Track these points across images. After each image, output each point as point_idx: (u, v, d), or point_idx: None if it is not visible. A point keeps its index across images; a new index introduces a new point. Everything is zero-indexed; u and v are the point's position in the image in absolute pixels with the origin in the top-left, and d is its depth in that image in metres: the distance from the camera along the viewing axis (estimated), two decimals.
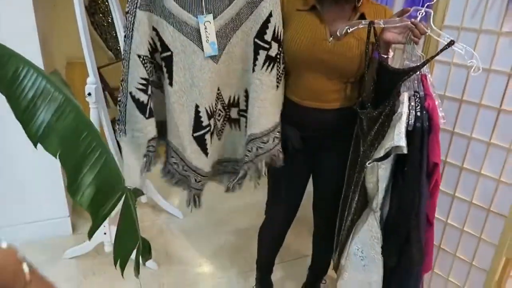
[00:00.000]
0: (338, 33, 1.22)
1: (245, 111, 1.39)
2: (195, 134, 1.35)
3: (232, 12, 1.25)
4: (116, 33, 2.35)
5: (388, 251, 1.30)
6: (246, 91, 1.37)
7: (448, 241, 1.62)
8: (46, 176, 2.11)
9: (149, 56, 1.26)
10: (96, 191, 1.02)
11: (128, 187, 1.15)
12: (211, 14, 1.24)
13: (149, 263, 2.00)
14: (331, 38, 1.25)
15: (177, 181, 1.44)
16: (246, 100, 1.38)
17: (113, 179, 1.07)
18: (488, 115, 1.42)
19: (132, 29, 1.21)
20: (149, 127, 1.31)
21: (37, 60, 1.93)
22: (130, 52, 1.22)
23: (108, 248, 1.99)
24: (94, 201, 1.02)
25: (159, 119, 1.36)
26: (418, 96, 1.17)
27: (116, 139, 1.56)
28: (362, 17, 1.25)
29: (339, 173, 1.44)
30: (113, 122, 2.87)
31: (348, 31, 1.20)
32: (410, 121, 1.14)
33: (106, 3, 3.37)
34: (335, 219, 1.49)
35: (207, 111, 1.33)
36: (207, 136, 1.37)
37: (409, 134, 1.14)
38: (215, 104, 1.36)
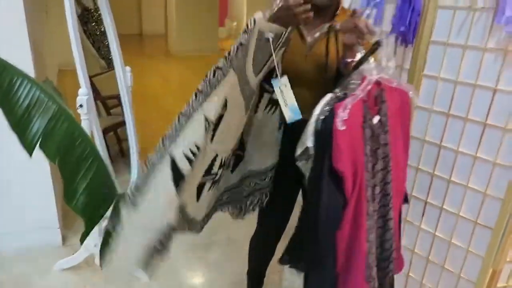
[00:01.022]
0: (307, 45, 1.27)
1: (236, 149, 1.35)
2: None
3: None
4: (108, 42, 2.35)
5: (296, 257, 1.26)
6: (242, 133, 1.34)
7: (436, 253, 1.64)
8: (36, 186, 2.10)
9: (214, 122, 1.06)
10: (90, 197, 1.04)
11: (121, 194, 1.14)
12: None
13: (140, 273, 1.99)
14: (308, 51, 1.30)
15: None
16: (239, 139, 1.34)
17: (105, 185, 1.09)
18: (474, 129, 1.44)
19: (216, 86, 1.03)
20: (174, 210, 1.05)
21: (29, 68, 1.93)
22: (197, 109, 1.01)
23: (99, 261, 1.97)
24: (88, 206, 1.04)
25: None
26: (341, 98, 1.11)
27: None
28: (337, 29, 1.29)
29: None
30: (104, 131, 2.88)
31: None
32: (318, 122, 1.09)
33: (100, 11, 3.38)
34: None
35: (222, 160, 1.22)
36: (208, 184, 1.21)
37: (317, 134, 1.09)
38: (230, 154, 1.30)
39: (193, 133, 1.01)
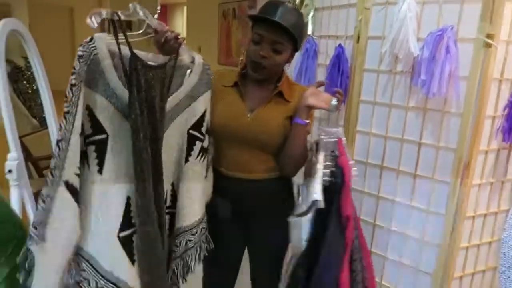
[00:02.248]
0: (248, 108, 1.35)
1: (170, 207, 1.30)
2: (121, 234, 1.14)
3: (173, 102, 1.24)
4: (41, 100, 2.26)
5: None
6: (172, 184, 1.30)
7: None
8: None
9: (91, 133, 1.11)
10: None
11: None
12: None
13: None
14: (249, 114, 1.34)
15: None
16: (172, 195, 1.30)
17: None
18: (406, 179, 1.56)
19: (77, 105, 1.05)
20: (77, 223, 1.08)
21: None
22: (72, 131, 1.04)
23: None
24: None
25: None
26: (334, 155, 1.31)
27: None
28: (281, 94, 1.36)
29: (273, 243, 1.45)
30: (36, 195, 2.66)
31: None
32: (326, 177, 1.26)
33: (31, 70, 3.26)
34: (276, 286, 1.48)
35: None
36: (135, 238, 1.17)
37: (327, 190, 1.25)
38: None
39: (77, 154, 1.06)
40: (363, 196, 1.67)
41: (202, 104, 1.30)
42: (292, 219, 1.32)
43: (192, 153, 1.29)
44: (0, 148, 1.76)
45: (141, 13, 1.15)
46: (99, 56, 1.07)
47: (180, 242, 1.29)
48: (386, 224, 1.63)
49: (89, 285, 1.11)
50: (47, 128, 2.19)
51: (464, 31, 1.38)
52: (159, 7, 1.25)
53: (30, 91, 3.17)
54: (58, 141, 1.05)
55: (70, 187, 1.05)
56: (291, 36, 1.27)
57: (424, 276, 1.54)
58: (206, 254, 1.36)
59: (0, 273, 0.90)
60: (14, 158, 1.59)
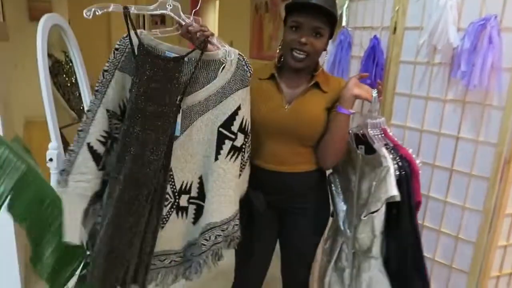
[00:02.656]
0: (286, 100, 1.33)
1: (196, 198, 1.32)
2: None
3: (201, 97, 1.24)
4: (79, 93, 2.35)
5: None
6: (200, 178, 1.31)
7: None
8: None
9: (119, 114, 1.26)
10: (57, 261, 0.99)
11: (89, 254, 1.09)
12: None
13: None
14: (287, 105, 1.32)
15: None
16: (199, 187, 1.32)
17: (73, 247, 1.04)
18: (442, 175, 1.51)
19: (108, 86, 1.22)
20: (97, 180, 1.27)
21: None
22: (99, 106, 1.22)
23: None
24: (54, 271, 0.98)
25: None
26: (389, 147, 1.31)
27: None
28: (317, 85, 1.34)
29: (307, 237, 1.46)
30: None
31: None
32: (395, 171, 1.26)
33: (71, 63, 3.38)
34: (305, 283, 1.48)
35: (183, 184, 1.29)
36: (172, 213, 1.30)
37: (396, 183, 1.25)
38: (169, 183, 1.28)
39: (100, 124, 1.23)
40: None
41: (234, 102, 1.25)
42: (364, 217, 1.32)
43: (222, 152, 1.26)
44: (42, 138, 1.85)
45: (169, 8, 1.20)
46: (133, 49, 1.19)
47: (209, 237, 1.29)
48: (419, 220, 1.58)
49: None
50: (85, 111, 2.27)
51: (508, 20, 1.31)
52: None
53: (69, 84, 3.30)
54: (87, 111, 1.25)
55: (91, 149, 1.23)
56: (330, 19, 1.26)
57: (459, 274, 1.49)
58: (236, 248, 1.34)
59: (48, 248, 0.96)
60: (54, 147, 1.66)
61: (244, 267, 1.56)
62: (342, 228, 1.45)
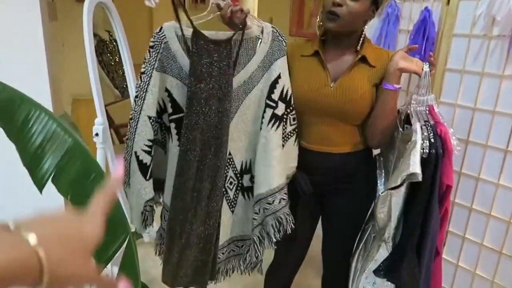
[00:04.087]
0: (331, 77, 1.28)
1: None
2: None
3: (245, 76, 1.25)
4: (122, 71, 2.41)
5: (397, 277, 1.28)
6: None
7: (460, 284, 1.58)
8: None
9: (157, 116, 1.26)
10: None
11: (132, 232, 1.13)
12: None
13: None
14: (332, 83, 1.27)
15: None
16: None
17: (117, 221, 1.06)
18: (495, 156, 1.42)
19: (146, 90, 1.20)
20: (147, 189, 1.30)
21: (47, 99, 1.96)
22: (140, 113, 1.22)
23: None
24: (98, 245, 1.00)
25: (158, 177, 1.35)
26: (429, 125, 1.22)
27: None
28: (364, 59, 1.27)
29: (350, 218, 1.42)
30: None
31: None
32: (424, 149, 1.17)
33: (114, 43, 3.47)
34: (346, 265, 1.45)
35: (242, 164, 1.32)
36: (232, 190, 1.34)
37: (423, 161, 1.16)
38: (226, 171, 1.31)
39: (143, 132, 1.23)
40: None
41: (274, 72, 1.26)
42: (382, 193, 1.26)
43: (264, 120, 1.27)
44: (88, 116, 1.93)
45: None
46: (169, 43, 1.18)
47: (259, 209, 1.31)
48: (467, 203, 1.51)
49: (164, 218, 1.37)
50: (128, 97, 2.33)
51: None
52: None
53: (113, 63, 3.39)
54: (130, 119, 1.25)
55: (138, 159, 1.25)
56: None
57: (509, 260, 1.41)
58: (287, 231, 1.34)
59: None
60: (100, 123, 1.72)
61: (284, 247, 1.55)
62: (372, 209, 1.40)
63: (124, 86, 3.06)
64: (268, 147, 1.27)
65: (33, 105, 1.04)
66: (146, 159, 1.25)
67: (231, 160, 1.32)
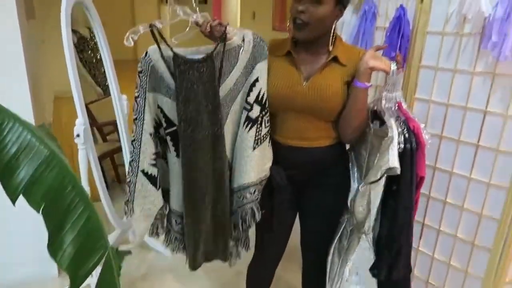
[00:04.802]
0: (303, 76, 1.32)
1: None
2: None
3: (231, 83, 1.31)
4: (104, 69, 2.39)
5: (380, 267, 1.35)
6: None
7: (435, 276, 1.63)
8: (33, 217, 2.07)
9: (155, 131, 1.34)
10: (77, 250, 0.97)
11: (111, 247, 1.13)
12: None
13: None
14: (305, 82, 1.31)
15: (185, 245, 1.49)
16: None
17: (95, 236, 1.03)
18: (468, 150, 1.47)
19: (144, 111, 1.29)
20: (159, 198, 1.39)
21: (26, 97, 1.94)
22: (142, 133, 1.30)
23: None
24: (74, 260, 0.97)
25: (162, 187, 1.43)
26: (400, 120, 1.28)
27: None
28: (335, 60, 1.31)
29: (327, 211, 1.46)
30: (101, 157, 2.87)
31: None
32: (400, 144, 1.24)
33: (95, 40, 3.43)
34: (325, 256, 1.49)
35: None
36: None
37: (399, 155, 1.23)
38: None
39: (148, 149, 1.33)
40: None
41: (254, 75, 1.31)
42: (361, 187, 1.32)
43: (241, 121, 1.34)
44: (70, 113, 1.91)
45: (181, 13, 1.26)
46: (155, 66, 1.26)
47: (240, 196, 1.40)
48: (441, 196, 1.56)
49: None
50: (110, 95, 2.32)
51: None
52: None
53: (94, 61, 3.36)
54: (132, 141, 1.32)
55: (146, 174, 1.34)
56: None
57: (482, 251, 1.47)
58: (258, 220, 1.42)
59: (68, 236, 0.96)
60: (81, 123, 1.72)
61: (264, 240, 1.59)
62: (348, 205, 1.44)
63: (106, 84, 3.04)
64: (240, 147, 1.36)
65: (7, 115, 1.01)
66: (154, 171, 1.35)
67: (228, 161, 1.40)
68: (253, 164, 1.35)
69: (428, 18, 1.50)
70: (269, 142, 1.38)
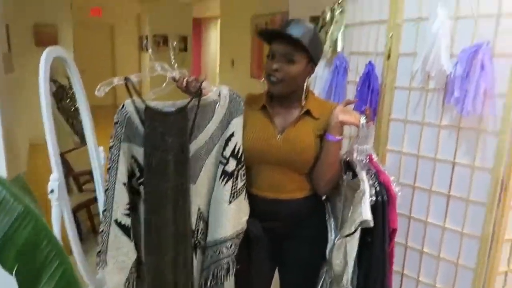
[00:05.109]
0: (278, 130, 1.37)
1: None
2: None
3: (205, 137, 1.34)
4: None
5: None
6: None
7: None
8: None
9: (128, 181, 1.33)
10: None
11: None
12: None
13: None
14: (279, 135, 1.35)
15: None
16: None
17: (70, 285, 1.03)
18: (440, 200, 1.51)
19: (118, 161, 1.29)
20: (133, 249, 1.36)
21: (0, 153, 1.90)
22: (115, 182, 1.29)
23: None
24: None
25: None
26: (372, 173, 1.33)
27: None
28: (308, 113, 1.37)
29: (305, 263, 1.46)
30: (76, 208, 2.79)
31: None
32: (372, 197, 1.27)
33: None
34: None
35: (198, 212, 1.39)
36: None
37: (371, 208, 1.26)
38: (196, 223, 1.39)
39: (121, 199, 1.30)
40: None
41: (230, 129, 1.35)
42: (337, 240, 1.33)
43: (217, 175, 1.36)
44: (45, 161, 1.87)
45: (159, 69, 1.32)
46: (131, 117, 1.29)
47: (207, 255, 1.39)
48: (418, 246, 1.58)
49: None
50: (104, 190, 2.28)
51: (500, 46, 1.33)
52: (175, 43, 1.40)
53: (73, 109, 3.35)
54: (105, 190, 1.31)
55: (119, 224, 1.30)
56: (302, 46, 1.28)
57: None
58: (235, 273, 1.40)
59: (47, 285, 0.95)
60: (55, 178, 1.68)
61: None
62: (327, 255, 1.45)
63: (83, 132, 3.01)
64: (217, 200, 1.36)
65: None
66: (128, 222, 1.32)
67: (201, 214, 1.40)
68: (230, 218, 1.35)
69: (395, 74, 1.59)
70: (245, 196, 1.39)
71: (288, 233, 1.44)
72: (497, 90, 1.33)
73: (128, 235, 1.32)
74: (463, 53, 1.37)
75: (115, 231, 1.31)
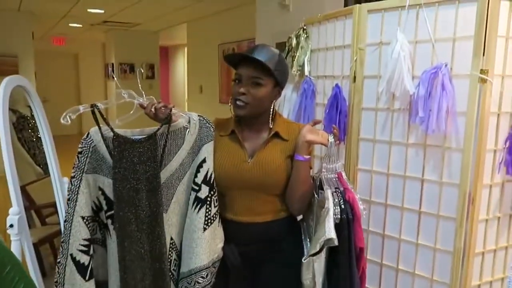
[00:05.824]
0: (248, 153, 1.37)
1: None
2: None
3: (176, 164, 1.32)
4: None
5: None
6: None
7: None
8: None
9: (93, 215, 1.28)
10: None
11: None
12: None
13: None
14: (250, 159, 1.35)
15: None
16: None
17: None
18: (411, 217, 1.53)
19: (78, 193, 1.24)
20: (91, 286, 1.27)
21: None
22: (73, 215, 1.23)
23: None
24: None
25: (101, 279, 1.32)
26: (339, 191, 1.33)
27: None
28: (277, 135, 1.38)
29: (281, 285, 1.43)
30: (39, 243, 2.64)
31: None
32: (336, 215, 1.27)
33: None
34: None
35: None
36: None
37: (336, 226, 1.25)
38: (170, 255, 1.34)
39: (78, 233, 1.24)
40: (368, 234, 1.64)
41: (201, 156, 1.34)
42: (304, 260, 1.31)
43: (190, 202, 1.33)
44: (5, 195, 1.77)
45: (126, 96, 1.31)
46: (97, 146, 1.24)
47: (191, 282, 1.33)
48: (392, 263, 1.59)
49: None
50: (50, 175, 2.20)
51: (458, 67, 1.40)
52: (142, 69, 1.39)
53: (34, 139, 3.22)
54: (64, 222, 1.25)
55: (74, 260, 1.24)
56: (268, 69, 1.30)
57: None
58: None
59: None
60: (15, 212, 1.59)
61: None
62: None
63: (46, 163, 2.89)
64: (190, 228, 1.33)
65: None
66: (84, 259, 1.24)
67: (174, 244, 1.35)
68: (204, 246, 1.31)
69: (362, 96, 1.64)
70: (219, 222, 1.36)
71: (263, 256, 1.42)
72: (458, 109, 1.39)
73: (82, 274, 1.24)
74: (424, 74, 1.43)
75: (70, 265, 1.24)
